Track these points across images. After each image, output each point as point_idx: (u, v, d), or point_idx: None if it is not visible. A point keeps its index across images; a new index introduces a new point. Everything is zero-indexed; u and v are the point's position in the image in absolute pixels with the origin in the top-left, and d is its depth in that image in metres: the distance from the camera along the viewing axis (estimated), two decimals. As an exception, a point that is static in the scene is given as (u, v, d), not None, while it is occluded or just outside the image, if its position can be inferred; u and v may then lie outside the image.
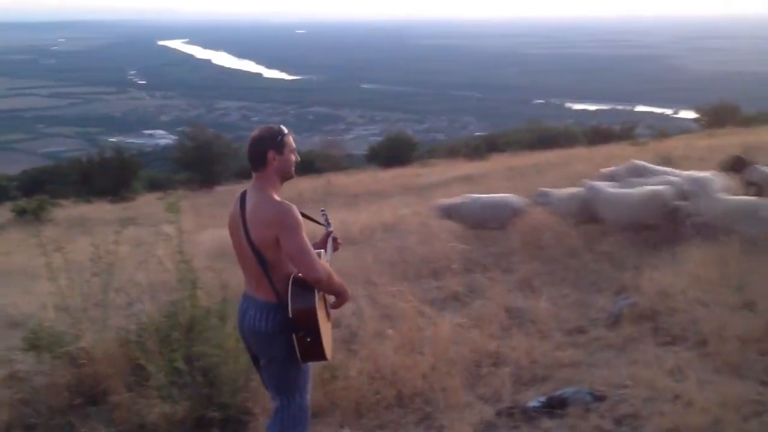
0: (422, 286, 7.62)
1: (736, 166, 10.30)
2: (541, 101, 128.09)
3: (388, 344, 5.44)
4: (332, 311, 3.83)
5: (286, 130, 3.67)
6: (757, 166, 9.89)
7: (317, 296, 3.47)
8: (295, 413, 3.61)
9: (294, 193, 16.29)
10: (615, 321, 6.05)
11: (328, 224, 4.12)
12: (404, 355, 5.24)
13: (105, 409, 4.98)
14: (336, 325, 6.30)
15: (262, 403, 4.68)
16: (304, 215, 3.62)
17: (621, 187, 9.17)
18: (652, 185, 8.89)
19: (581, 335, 5.92)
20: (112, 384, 5.05)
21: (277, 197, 3.53)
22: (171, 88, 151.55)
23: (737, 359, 4.88)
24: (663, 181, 9.13)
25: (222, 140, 36.11)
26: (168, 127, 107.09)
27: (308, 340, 3.41)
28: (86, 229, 15.29)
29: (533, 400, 4.62)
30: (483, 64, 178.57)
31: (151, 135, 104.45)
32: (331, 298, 3.71)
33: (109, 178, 31.17)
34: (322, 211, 4.17)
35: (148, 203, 24.63)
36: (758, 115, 39.02)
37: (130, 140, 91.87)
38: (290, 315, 3.39)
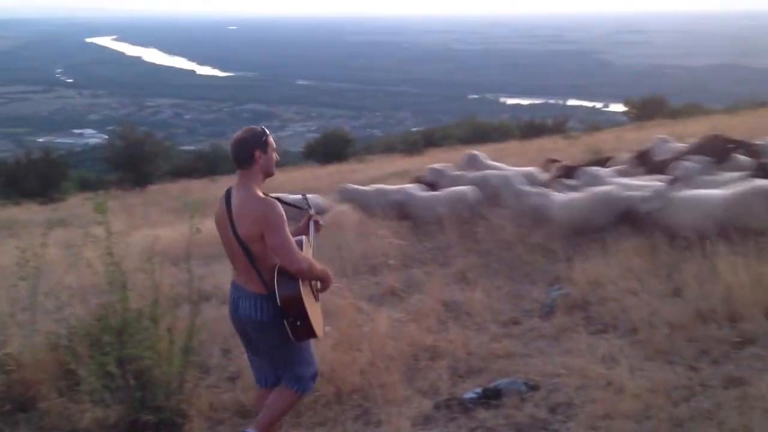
0: (360, 283, 7.62)
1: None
2: (476, 96, 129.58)
3: (325, 342, 5.43)
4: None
5: (267, 131, 3.90)
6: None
7: (302, 283, 3.76)
8: (303, 382, 3.97)
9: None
10: (548, 311, 6.18)
11: (310, 207, 4.35)
12: (342, 352, 5.24)
13: (35, 416, 4.84)
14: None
15: (197, 405, 4.62)
16: (283, 202, 3.84)
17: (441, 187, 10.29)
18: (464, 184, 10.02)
19: (516, 326, 6.03)
20: (42, 389, 4.92)
21: (261, 194, 3.77)
22: (100, 86, 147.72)
23: (666, 346, 5.03)
24: (474, 179, 10.23)
25: (154, 139, 35.52)
26: (98, 126, 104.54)
27: (298, 323, 3.73)
28: (14, 232, 14.81)
29: (470, 391, 4.67)
30: (417, 60, 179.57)
31: (80, 134, 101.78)
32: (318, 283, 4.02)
33: (37, 179, 30.29)
34: (302, 195, 4.47)
35: (78, 204, 23.98)
36: (685, 107, 40.27)
37: (58, 140, 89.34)
38: (279, 303, 3.69)
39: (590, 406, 4.26)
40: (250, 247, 3.71)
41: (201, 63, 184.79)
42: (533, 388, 4.65)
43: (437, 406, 4.55)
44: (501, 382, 4.73)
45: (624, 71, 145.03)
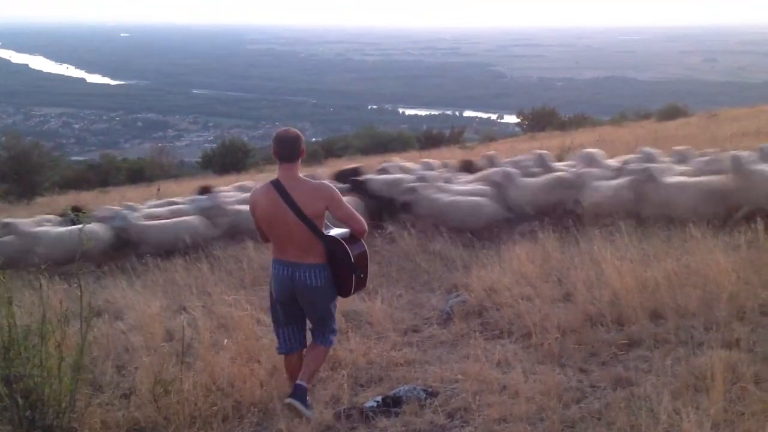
0: (259, 294, 7.53)
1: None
2: (375, 107, 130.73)
3: (224, 355, 5.35)
4: None
5: None
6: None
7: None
8: (330, 335, 4.76)
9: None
10: (446, 319, 6.29)
11: None
12: (241, 364, 5.17)
13: None
14: (170, 338, 6.13)
15: (89, 423, 4.46)
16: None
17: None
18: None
19: (415, 334, 6.11)
20: None
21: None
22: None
23: (558, 349, 5.21)
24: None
25: (41, 149, 33.99)
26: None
27: (362, 276, 4.57)
28: None
29: (370, 400, 4.70)
30: (315, 69, 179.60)
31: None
32: None
33: None
34: None
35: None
36: (574, 119, 41.90)
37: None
38: (352, 261, 4.47)
39: (486, 410, 4.36)
40: (315, 224, 4.43)
41: (91, 71, 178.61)
42: (432, 394, 4.72)
43: (337, 416, 4.54)
44: (400, 389, 4.78)
45: (516, 83, 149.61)
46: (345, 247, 4.48)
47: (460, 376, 4.92)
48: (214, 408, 4.66)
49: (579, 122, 39.59)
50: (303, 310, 4.69)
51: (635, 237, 7.29)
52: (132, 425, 4.63)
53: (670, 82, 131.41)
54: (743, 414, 3.86)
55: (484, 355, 5.14)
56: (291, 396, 4.53)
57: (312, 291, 4.53)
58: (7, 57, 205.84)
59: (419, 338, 5.99)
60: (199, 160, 41.86)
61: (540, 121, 40.91)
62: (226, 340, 5.61)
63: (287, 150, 4.48)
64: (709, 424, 3.71)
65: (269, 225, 4.52)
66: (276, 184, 4.48)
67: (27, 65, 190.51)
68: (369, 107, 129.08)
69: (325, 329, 4.73)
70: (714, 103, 45.57)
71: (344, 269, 4.51)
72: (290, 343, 4.77)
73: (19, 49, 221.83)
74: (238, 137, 55.30)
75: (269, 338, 5.65)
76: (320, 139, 55.87)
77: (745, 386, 4.07)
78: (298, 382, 4.59)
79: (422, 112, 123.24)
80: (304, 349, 4.80)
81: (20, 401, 4.23)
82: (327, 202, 4.48)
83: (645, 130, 26.60)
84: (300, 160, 4.55)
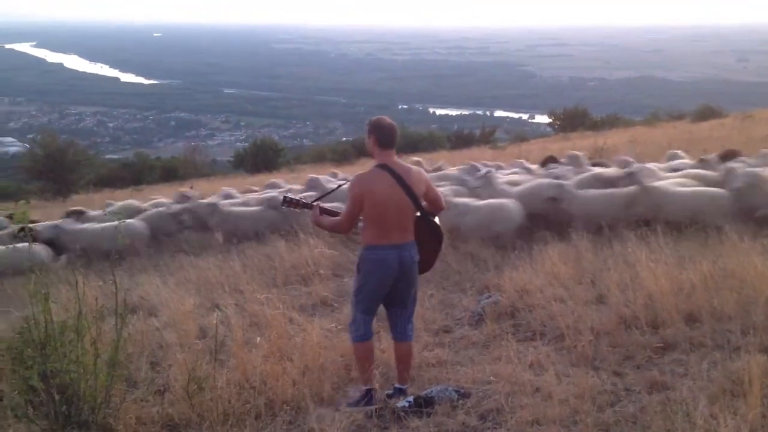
0: (291, 293, 7.58)
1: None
2: (405, 106, 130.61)
3: (257, 353, 5.38)
4: None
5: None
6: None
7: None
8: (412, 332, 5.05)
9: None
10: (478, 319, 6.27)
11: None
12: (274, 363, 5.19)
13: (-46, 434, 4.65)
14: (203, 335, 6.18)
15: (124, 419, 4.51)
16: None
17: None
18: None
19: (447, 335, 6.10)
20: (-39, 406, 4.72)
21: None
22: (19, 94, 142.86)
23: (591, 352, 5.17)
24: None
25: (76, 147, 34.53)
26: (18, 134, 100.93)
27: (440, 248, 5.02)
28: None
29: (402, 400, 4.70)
30: (346, 69, 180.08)
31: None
32: None
33: (-46, 189, 29.20)
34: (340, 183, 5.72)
35: (-5, 215, 23.10)
36: (605, 119, 41.48)
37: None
38: (441, 235, 4.96)
39: (519, 412, 4.34)
40: (421, 204, 4.75)
41: (125, 70, 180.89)
42: (464, 395, 4.70)
43: (369, 416, 4.55)
44: (432, 390, 4.77)
45: (547, 83, 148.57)
46: (438, 226, 4.92)
47: (492, 377, 4.91)
48: (247, 405, 4.69)
49: (611, 122, 39.19)
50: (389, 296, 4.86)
51: (670, 239, 7.20)
52: (166, 421, 4.68)
53: (701, 82, 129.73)
54: (782, 420, 3.79)
55: (517, 357, 5.11)
56: (401, 400, 4.69)
57: (414, 267, 4.80)
58: (42, 56, 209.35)
59: (451, 339, 5.98)
60: (231, 159, 42.13)
61: (572, 121, 40.56)
62: (258, 338, 5.65)
63: (391, 136, 4.69)
64: (746, 430, 3.65)
65: (383, 208, 4.62)
66: (386, 169, 4.65)
67: (62, 64, 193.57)
68: (399, 107, 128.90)
69: (411, 315, 5.00)
70: (747, 104, 44.86)
71: (435, 246, 4.94)
72: (371, 330, 4.94)
73: (54, 49, 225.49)
74: (269, 136, 55.59)
75: (301, 337, 5.68)
76: (350, 138, 55.84)
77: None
78: (402, 386, 4.91)
79: (452, 112, 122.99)
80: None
81: (56, 396, 4.31)
82: (425, 184, 4.76)
83: (678, 130, 26.26)
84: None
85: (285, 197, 5.26)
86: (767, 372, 4.25)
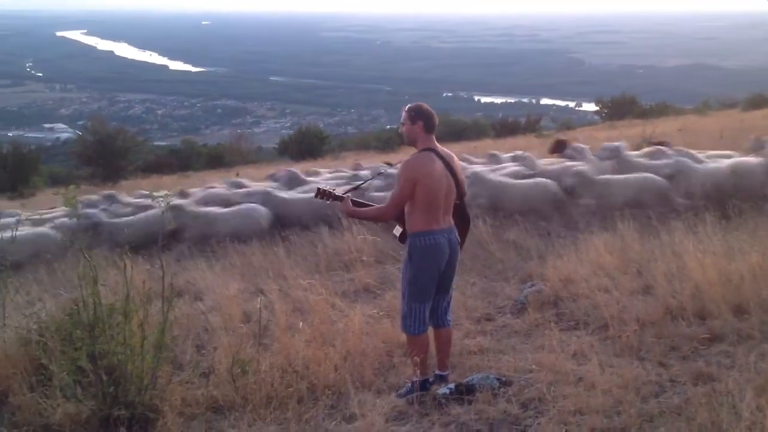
0: (334, 279, 7.63)
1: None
2: (450, 94, 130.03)
3: (299, 338, 5.43)
4: None
5: None
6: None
7: None
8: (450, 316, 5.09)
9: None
10: (521, 308, 6.23)
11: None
12: (316, 348, 5.23)
13: (7, 411, 4.80)
14: (247, 319, 6.26)
15: (170, 400, 4.59)
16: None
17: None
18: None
19: (489, 323, 6.08)
20: (13, 385, 4.87)
21: None
22: (70, 81, 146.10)
23: (636, 342, 5.10)
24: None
25: (125, 134, 35.14)
26: (68, 120, 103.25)
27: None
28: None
29: (443, 387, 4.70)
30: (390, 57, 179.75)
31: (51, 129, 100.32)
32: None
33: (6, 174, 29.96)
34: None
35: (48, 199, 23.68)
36: (654, 107, 40.72)
37: (29, 135, 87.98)
38: (470, 220, 5.12)
39: (561, 401, 4.31)
40: (464, 189, 4.89)
41: (173, 58, 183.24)
42: (505, 383, 4.69)
43: (410, 402, 4.56)
44: (474, 377, 4.76)
45: (596, 70, 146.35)
46: (467, 211, 5.05)
47: (534, 366, 4.88)
48: (290, 389, 4.74)
49: (660, 111, 38.45)
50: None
51: (719, 229, 7.06)
52: (210, 403, 4.76)
53: (756, 70, 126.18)
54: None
55: (560, 346, 5.08)
56: (442, 387, 4.73)
57: (458, 251, 4.89)
58: (93, 44, 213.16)
59: (493, 327, 5.96)
60: (276, 146, 42.43)
61: (619, 109, 39.92)
62: (301, 324, 5.70)
63: (434, 121, 4.76)
64: (794, 424, 3.57)
65: (437, 192, 4.63)
66: (436, 153, 4.70)
67: (112, 52, 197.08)
68: (444, 95, 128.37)
69: (451, 300, 5.04)
70: (803, 92, 43.45)
71: (465, 230, 4.99)
72: (427, 320, 4.88)
73: (104, 36, 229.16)
74: (314, 124, 55.80)
75: (343, 323, 5.71)
76: (395, 126, 55.81)
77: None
78: (442, 373, 4.93)
79: (498, 100, 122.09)
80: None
81: (104, 377, 4.40)
82: (460, 167, 4.87)
83: (731, 119, 25.66)
84: None
85: (318, 189, 5.20)
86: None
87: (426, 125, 4.70)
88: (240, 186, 12.73)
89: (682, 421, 3.90)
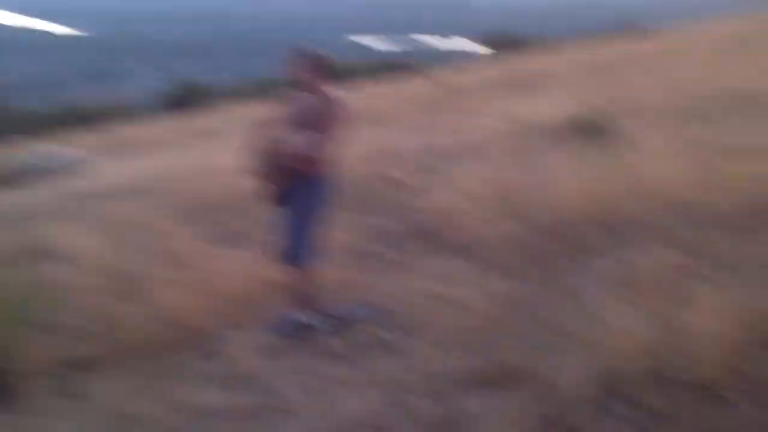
0: (208, 227, 7.38)
1: None
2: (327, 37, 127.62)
3: (174, 286, 5.22)
4: None
5: None
6: None
7: None
8: None
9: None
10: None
11: None
12: (192, 295, 5.05)
13: None
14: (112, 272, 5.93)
15: (33, 362, 4.37)
16: None
17: None
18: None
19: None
20: None
21: None
22: None
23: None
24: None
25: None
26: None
27: None
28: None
29: (313, 318, 4.68)
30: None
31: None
32: None
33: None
34: None
35: None
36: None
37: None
38: None
39: (436, 324, 4.37)
40: None
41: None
42: (378, 312, 4.72)
43: (284, 336, 4.56)
44: (345, 307, 4.84)
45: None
46: None
47: (406, 292, 4.93)
48: (162, 338, 4.61)
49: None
50: None
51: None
52: (77, 362, 4.56)
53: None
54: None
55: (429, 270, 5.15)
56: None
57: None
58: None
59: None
60: (155, 100, 40.71)
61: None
62: (177, 273, 5.46)
63: None
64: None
65: None
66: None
67: None
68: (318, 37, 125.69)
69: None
70: None
71: None
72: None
73: None
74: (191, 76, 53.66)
75: (220, 267, 5.53)
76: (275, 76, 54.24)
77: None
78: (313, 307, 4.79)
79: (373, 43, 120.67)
80: None
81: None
82: None
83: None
84: None
85: None
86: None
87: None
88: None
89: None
